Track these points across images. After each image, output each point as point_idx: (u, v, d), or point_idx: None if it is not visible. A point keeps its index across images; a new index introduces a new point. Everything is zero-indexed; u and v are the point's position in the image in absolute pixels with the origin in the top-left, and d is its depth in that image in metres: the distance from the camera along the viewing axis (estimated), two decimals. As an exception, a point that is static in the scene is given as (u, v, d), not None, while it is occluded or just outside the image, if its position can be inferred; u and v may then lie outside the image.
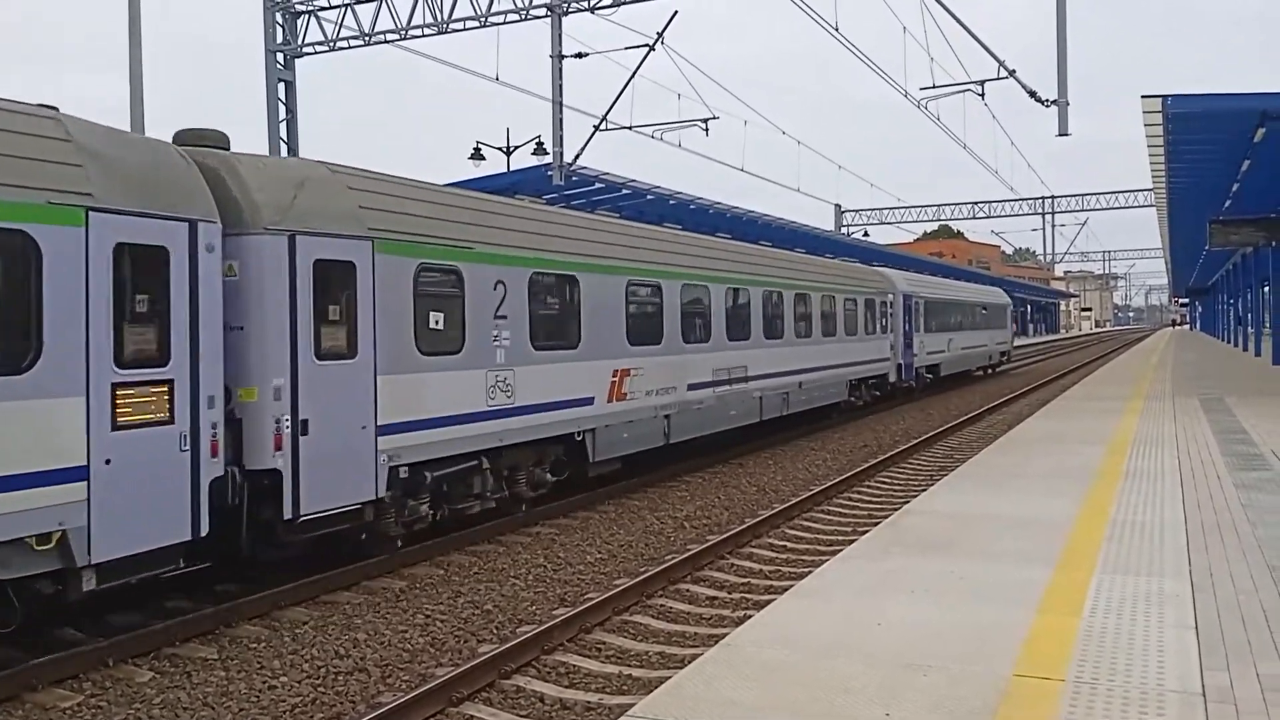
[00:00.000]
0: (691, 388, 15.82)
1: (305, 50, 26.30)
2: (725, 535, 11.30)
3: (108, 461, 7.29)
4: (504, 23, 24.46)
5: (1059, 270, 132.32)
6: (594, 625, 8.41)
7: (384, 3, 25.22)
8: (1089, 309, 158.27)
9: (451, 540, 11.11)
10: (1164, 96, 15.50)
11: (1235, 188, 22.78)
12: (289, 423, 8.74)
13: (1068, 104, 20.10)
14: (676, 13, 24.53)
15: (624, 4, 23.73)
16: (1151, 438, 13.97)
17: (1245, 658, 5.18)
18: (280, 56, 26.16)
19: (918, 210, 71.44)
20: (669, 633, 8.42)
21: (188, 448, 7.89)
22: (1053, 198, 72.15)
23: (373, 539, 10.03)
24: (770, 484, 15.44)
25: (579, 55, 24.77)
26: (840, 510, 13.44)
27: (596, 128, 24.97)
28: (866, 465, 16.32)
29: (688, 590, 9.64)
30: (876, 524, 9.62)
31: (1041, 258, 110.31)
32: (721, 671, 5.11)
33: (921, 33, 56.19)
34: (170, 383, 7.78)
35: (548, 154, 25.43)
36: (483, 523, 11.63)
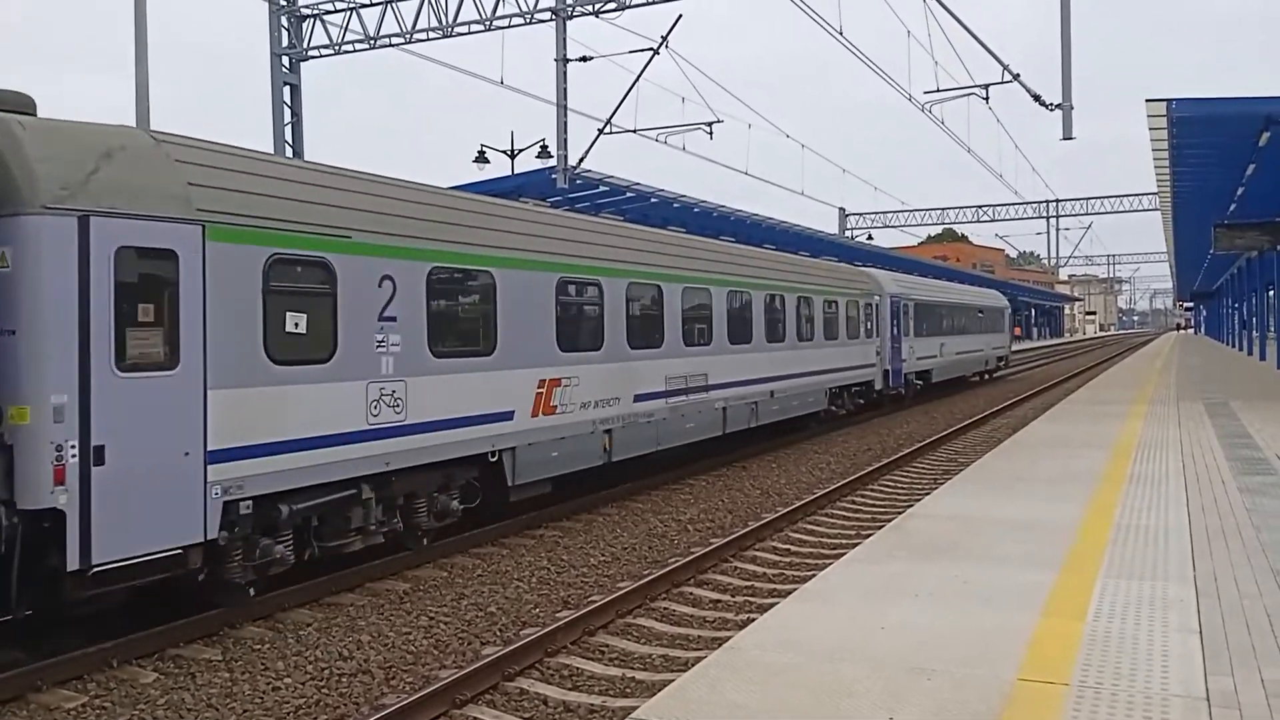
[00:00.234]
0: (639, 398, 14.17)
1: (310, 54, 26.46)
2: (729, 538, 11.29)
3: None
4: (508, 26, 24.63)
5: (1063, 274, 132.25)
6: (597, 628, 8.41)
7: (389, 6, 25.35)
8: (1093, 313, 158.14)
9: (455, 542, 11.12)
10: (1169, 100, 15.47)
11: (1240, 192, 22.73)
12: (75, 450, 7.03)
13: (1072, 108, 20.13)
14: (680, 16, 24.64)
15: (628, 7, 23.83)
16: (1156, 442, 13.95)
17: (1249, 662, 5.18)
18: (285, 60, 26.29)
19: (922, 214, 71.39)
20: (672, 635, 8.42)
21: None
22: (1057, 201, 72.00)
23: (215, 587, 8.35)
24: (774, 487, 15.44)
25: (583, 59, 24.82)
26: (844, 513, 13.43)
27: (601, 131, 25.02)
28: (870, 469, 16.31)
29: (691, 593, 9.64)
30: (880, 527, 9.62)
31: (1046, 261, 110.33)
32: (725, 675, 5.11)
33: (925, 35, 56.23)
34: None
35: (552, 157, 25.45)
36: (369, 560, 10.01)
